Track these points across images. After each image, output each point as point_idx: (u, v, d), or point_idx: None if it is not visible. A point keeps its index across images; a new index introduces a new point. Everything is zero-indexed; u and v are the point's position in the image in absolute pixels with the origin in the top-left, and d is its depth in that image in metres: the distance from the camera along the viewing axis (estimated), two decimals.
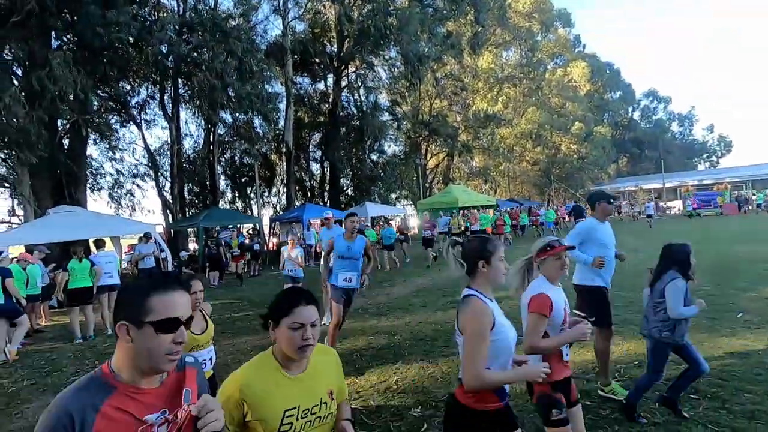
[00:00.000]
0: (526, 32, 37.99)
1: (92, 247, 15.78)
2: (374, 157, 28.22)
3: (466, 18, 27.74)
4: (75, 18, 13.80)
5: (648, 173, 47.88)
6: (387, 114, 28.39)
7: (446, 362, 4.68)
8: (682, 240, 3.28)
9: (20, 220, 15.29)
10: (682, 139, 59.76)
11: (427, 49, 24.10)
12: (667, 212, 33.42)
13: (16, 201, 16.04)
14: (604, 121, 48.33)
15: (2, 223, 17.07)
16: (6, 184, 15.67)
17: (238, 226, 18.58)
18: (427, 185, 32.39)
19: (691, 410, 3.23)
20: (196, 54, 16.78)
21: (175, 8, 18.60)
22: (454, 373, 4.37)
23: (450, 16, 26.21)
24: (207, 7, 18.48)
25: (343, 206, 25.58)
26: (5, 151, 14.49)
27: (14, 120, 11.89)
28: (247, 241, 14.65)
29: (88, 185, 18.18)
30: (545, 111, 38.91)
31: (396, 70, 25.93)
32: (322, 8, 24.67)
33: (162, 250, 10.85)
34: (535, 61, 40.21)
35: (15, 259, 7.77)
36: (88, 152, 18.25)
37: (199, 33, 16.71)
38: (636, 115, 58.56)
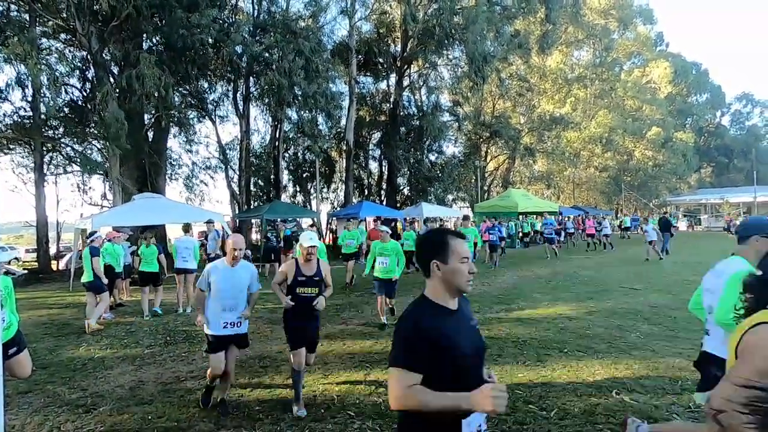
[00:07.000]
0: (602, 30, 35.77)
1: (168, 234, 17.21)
2: (432, 157, 28.03)
3: (536, 16, 26.68)
4: (163, 21, 15.09)
5: (736, 185, 43.26)
6: (447, 114, 28.08)
7: (498, 372, 4.54)
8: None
9: (109, 203, 17.00)
10: None
11: (492, 49, 23.49)
12: None
13: (107, 186, 17.85)
14: (686, 126, 44.45)
15: (95, 205, 19.11)
16: (100, 171, 17.47)
17: (298, 219, 19.31)
18: (485, 188, 31.64)
19: None
20: (267, 54, 17.65)
21: (251, 11, 19.69)
22: (506, 383, 4.24)
23: (519, 15, 25.35)
24: (279, 9, 19.37)
25: (399, 205, 25.71)
26: (101, 141, 16.18)
27: (108, 113, 13.29)
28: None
29: (167, 175, 19.79)
30: (618, 114, 36.49)
31: (459, 69, 25.52)
32: (389, 8, 24.89)
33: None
34: (610, 60, 37.79)
35: (107, 239, 8.63)
36: (168, 144, 19.90)
37: (271, 34, 17.55)
38: (725, 121, 53.26)
